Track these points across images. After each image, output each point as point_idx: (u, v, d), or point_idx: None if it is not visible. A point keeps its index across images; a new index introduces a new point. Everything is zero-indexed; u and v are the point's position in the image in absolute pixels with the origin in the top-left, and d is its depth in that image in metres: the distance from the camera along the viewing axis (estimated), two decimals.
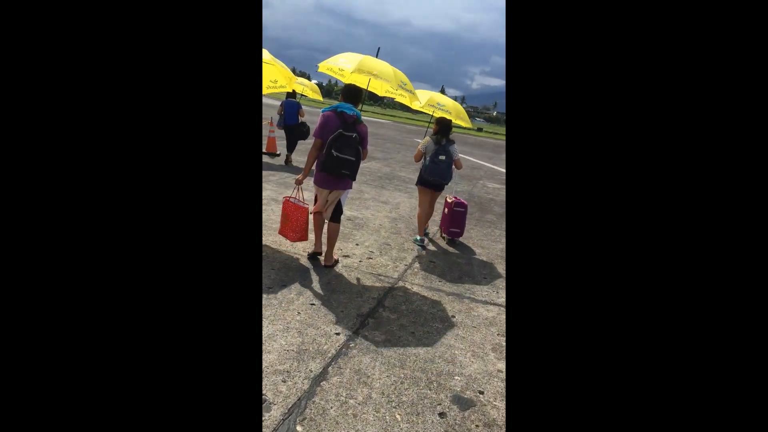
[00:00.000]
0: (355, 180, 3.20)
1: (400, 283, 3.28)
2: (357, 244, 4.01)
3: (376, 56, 4.15)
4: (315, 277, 3.11)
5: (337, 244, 3.90)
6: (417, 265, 3.74)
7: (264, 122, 6.43)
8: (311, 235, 3.73)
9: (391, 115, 55.02)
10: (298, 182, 3.25)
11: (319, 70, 4.64)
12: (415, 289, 3.22)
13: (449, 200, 4.57)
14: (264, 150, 8.57)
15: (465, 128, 5.15)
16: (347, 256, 3.65)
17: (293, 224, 3.30)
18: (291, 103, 7.84)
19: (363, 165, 9.27)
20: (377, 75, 3.76)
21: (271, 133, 8.69)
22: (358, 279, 3.21)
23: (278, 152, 8.61)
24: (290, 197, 3.36)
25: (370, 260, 3.65)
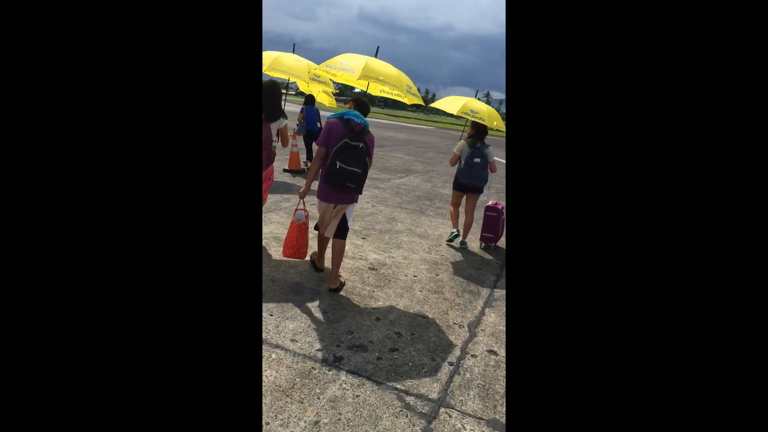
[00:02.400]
0: (361, 193, 2.94)
1: (443, 414, 1.93)
2: (378, 319, 2.70)
3: (375, 56, 3.96)
4: (297, 408, 1.84)
5: (351, 319, 2.63)
6: (469, 362, 2.37)
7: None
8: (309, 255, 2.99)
9: (434, 121, 53.59)
10: (301, 196, 3.03)
11: (315, 71, 4.18)
12: (470, 427, 1.87)
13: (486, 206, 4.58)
14: (286, 167, 7.52)
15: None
16: (360, 348, 2.35)
17: (287, 240, 3.16)
18: (312, 109, 7.60)
19: (401, 181, 8.07)
20: (383, 80, 3.57)
21: (294, 147, 7.62)
22: (369, 409, 1.90)
23: (302, 168, 7.53)
24: (298, 209, 3.16)
25: (395, 354, 2.33)
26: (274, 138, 3.47)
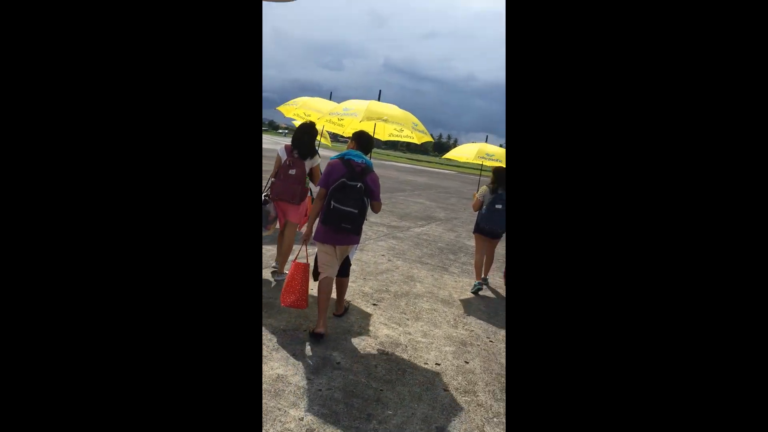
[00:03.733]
0: (360, 235, 2.82)
1: None
2: None
3: (378, 99, 4.02)
4: None
5: None
6: None
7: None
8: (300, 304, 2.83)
9: (456, 166, 53.55)
10: (305, 238, 2.90)
11: (322, 120, 4.27)
12: None
13: None
14: None
15: None
16: None
17: (287, 284, 2.76)
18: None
19: (421, 230, 7.34)
20: (387, 120, 3.57)
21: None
22: None
23: None
24: (296, 262, 2.82)
25: None
26: (307, 175, 3.57)
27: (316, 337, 2.68)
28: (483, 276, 4.45)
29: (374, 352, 2.71)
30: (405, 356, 2.72)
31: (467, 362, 2.77)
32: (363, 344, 2.79)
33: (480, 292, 4.31)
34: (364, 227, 2.92)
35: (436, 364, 2.68)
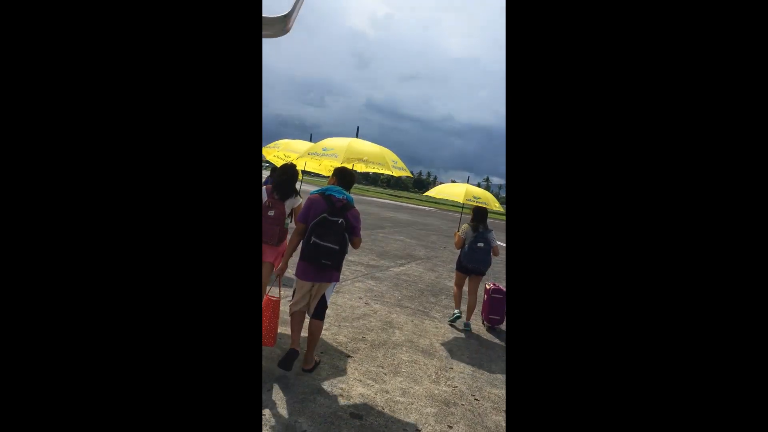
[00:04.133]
0: (340, 272, 2.80)
1: None
2: None
3: (356, 136, 3.98)
4: None
5: None
6: None
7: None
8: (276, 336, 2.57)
9: (436, 203, 54.07)
10: (277, 272, 2.88)
11: (301, 159, 4.21)
12: None
13: (488, 287, 4.62)
14: None
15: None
16: None
17: None
18: None
19: (401, 270, 7.09)
20: (368, 160, 3.50)
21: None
22: None
23: None
24: (269, 296, 2.77)
25: None
26: (288, 215, 3.50)
27: (290, 356, 2.68)
28: (465, 321, 4.38)
29: (346, 416, 2.39)
30: (381, 421, 2.40)
31: (450, 427, 2.47)
32: (334, 407, 2.46)
33: (461, 330, 4.31)
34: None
35: (417, 430, 2.37)
